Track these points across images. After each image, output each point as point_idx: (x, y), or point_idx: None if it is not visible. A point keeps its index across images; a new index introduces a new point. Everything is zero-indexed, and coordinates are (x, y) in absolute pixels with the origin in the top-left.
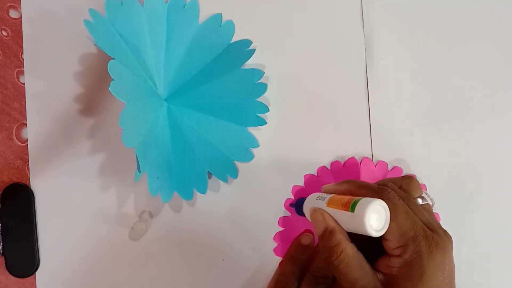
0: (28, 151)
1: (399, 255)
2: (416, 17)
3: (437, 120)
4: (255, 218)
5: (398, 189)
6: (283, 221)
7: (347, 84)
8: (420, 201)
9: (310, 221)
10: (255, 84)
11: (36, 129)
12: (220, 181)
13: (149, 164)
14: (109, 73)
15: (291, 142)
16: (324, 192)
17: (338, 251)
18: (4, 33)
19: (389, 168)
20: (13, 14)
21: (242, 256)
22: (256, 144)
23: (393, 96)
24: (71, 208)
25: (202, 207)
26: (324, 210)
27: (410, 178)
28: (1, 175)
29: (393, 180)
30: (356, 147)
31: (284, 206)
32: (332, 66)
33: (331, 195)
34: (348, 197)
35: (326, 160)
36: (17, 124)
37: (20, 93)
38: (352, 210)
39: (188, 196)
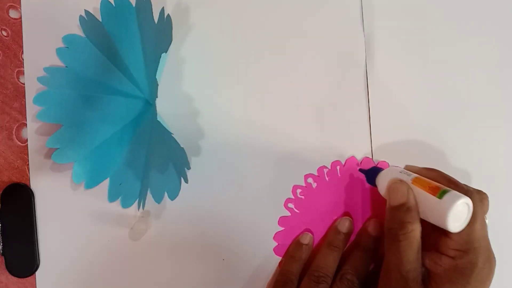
0: (28, 151)
1: (452, 257)
2: (416, 17)
3: (437, 120)
4: (255, 218)
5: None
6: (283, 221)
7: (347, 84)
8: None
9: (384, 191)
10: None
11: (36, 129)
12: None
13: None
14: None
15: (291, 142)
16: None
17: (409, 228)
18: (4, 33)
19: None
20: (13, 14)
21: (242, 256)
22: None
23: (393, 96)
24: (71, 208)
25: (202, 207)
26: (409, 186)
27: (484, 195)
28: (1, 175)
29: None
30: (356, 147)
31: (358, 168)
32: (332, 66)
33: (416, 174)
34: (436, 183)
35: (326, 160)
36: (17, 124)
37: (20, 93)
38: (440, 197)
39: (159, 199)
